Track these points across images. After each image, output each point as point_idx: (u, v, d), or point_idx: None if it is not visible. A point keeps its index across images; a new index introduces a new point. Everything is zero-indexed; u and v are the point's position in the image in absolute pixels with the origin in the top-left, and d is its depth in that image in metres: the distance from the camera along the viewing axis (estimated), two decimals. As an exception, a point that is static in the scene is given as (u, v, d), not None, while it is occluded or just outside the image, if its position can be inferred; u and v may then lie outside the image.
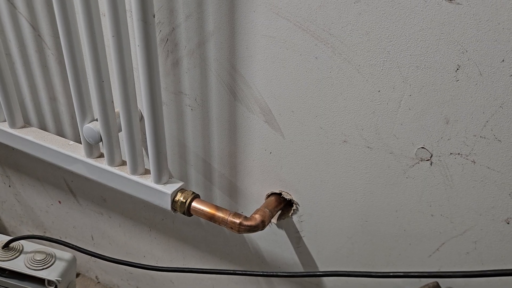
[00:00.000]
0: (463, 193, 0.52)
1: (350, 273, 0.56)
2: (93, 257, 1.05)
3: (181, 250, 0.86)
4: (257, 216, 0.60)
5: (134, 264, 0.66)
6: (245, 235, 0.75)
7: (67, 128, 0.81)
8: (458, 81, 0.46)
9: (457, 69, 0.45)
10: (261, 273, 0.61)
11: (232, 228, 0.60)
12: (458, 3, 0.42)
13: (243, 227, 0.59)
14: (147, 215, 0.86)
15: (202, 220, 0.78)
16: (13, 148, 0.96)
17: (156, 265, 0.92)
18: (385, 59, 0.48)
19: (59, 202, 0.99)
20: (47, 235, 1.11)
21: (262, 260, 0.75)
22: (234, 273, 0.60)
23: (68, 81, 0.76)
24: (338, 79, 0.52)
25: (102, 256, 0.69)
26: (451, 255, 0.57)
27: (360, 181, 0.58)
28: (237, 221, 0.59)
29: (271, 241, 0.72)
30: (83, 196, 0.94)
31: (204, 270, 0.66)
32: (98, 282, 1.10)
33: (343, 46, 0.50)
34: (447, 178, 0.52)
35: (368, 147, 0.54)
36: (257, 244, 0.74)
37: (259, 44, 0.54)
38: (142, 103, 0.57)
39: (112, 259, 0.68)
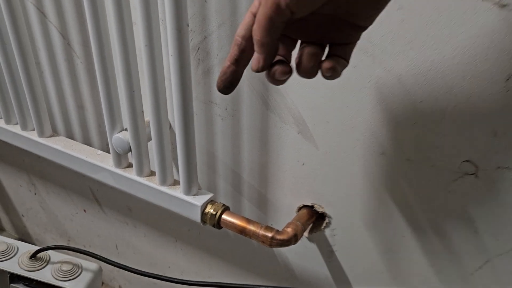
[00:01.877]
0: (510, 209, 0.49)
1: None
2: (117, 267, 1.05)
3: (207, 262, 0.85)
4: (290, 230, 0.59)
5: (163, 277, 0.65)
6: (274, 248, 0.73)
7: (94, 137, 0.81)
8: (508, 92, 0.43)
9: (508, 79, 0.43)
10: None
11: (263, 242, 0.58)
12: (511, 10, 0.40)
13: (275, 241, 0.58)
14: (173, 226, 0.85)
15: (230, 231, 0.77)
16: (39, 156, 0.96)
17: (181, 276, 0.91)
18: (429, 69, 0.46)
19: (84, 210, 0.99)
20: (71, 243, 1.11)
21: (291, 274, 0.73)
22: (266, 288, 0.59)
23: (96, 90, 0.76)
24: (378, 89, 0.50)
25: (130, 269, 0.68)
26: (496, 273, 0.54)
27: (398, 195, 0.55)
28: (269, 235, 0.57)
29: (302, 255, 0.70)
30: (108, 205, 0.93)
31: (233, 285, 0.64)
32: (121, 292, 1.10)
33: (384, 55, 0.48)
34: (493, 193, 0.49)
35: (408, 159, 0.52)
36: (286, 258, 0.72)
37: (294, 53, 0.53)
38: (174, 113, 0.56)
39: (140, 272, 0.67)
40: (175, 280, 0.66)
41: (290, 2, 0.29)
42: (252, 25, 0.33)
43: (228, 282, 0.70)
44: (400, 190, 0.55)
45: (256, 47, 0.33)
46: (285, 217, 0.67)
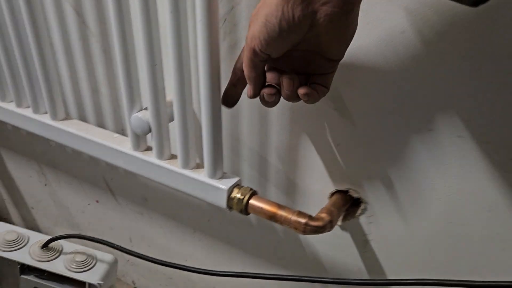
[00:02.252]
0: None
1: (427, 281, 0.49)
2: (130, 261, 1.01)
3: (227, 254, 0.80)
4: (324, 216, 0.54)
5: (182, 266, 0.61)
6: (302, 237, 0.68)
7: (109, 121, 0.77)
8: None
9: None
10: (325, 279, 0.54)
11: (296, 229, 0.54)
12: None
13: (309, 228, 0.53)
14: (191, 216, 0.80)
15: (253, 220, 0.72)
16: (50, 145, 0.92)
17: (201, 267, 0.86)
18: (488, 37, 0.41)
19: (97, 201, 0.95)
20: (83, 236, 1.07)
21: (319, 265, 0.69)
22: (299, 279, 0.54)
23: (112, 72, 0.72)
24: (428, 57, 0.45)
25: (147, 258, 0.63)
26: (554, 263, 0.49)
27: (445, 176, 0.50)
28: (303, 221, 0.53)
29: (332, 245, 0.65)
30: (122, 195, 0.89)
31: (255, 275, 0.60)
32: (135, 287, 1.05)
33: (437, 17, 0.43)
34: (556, 172, 0.45)
35: (459, 136, 0.47)
36: (314, 248, 0.68)
37: (333, 20, 0.48)
38: (200, 88, 0.51)
39: (157, 261, 0.63)
40: (198, 270, 0.61)
41: (262, 47, 0.38)
42: None
43: (251, 272, 0.65)
44: (448, 171, 0.50)
45: (246, 80, 0.43)
46: (315, 204, 0.62)
